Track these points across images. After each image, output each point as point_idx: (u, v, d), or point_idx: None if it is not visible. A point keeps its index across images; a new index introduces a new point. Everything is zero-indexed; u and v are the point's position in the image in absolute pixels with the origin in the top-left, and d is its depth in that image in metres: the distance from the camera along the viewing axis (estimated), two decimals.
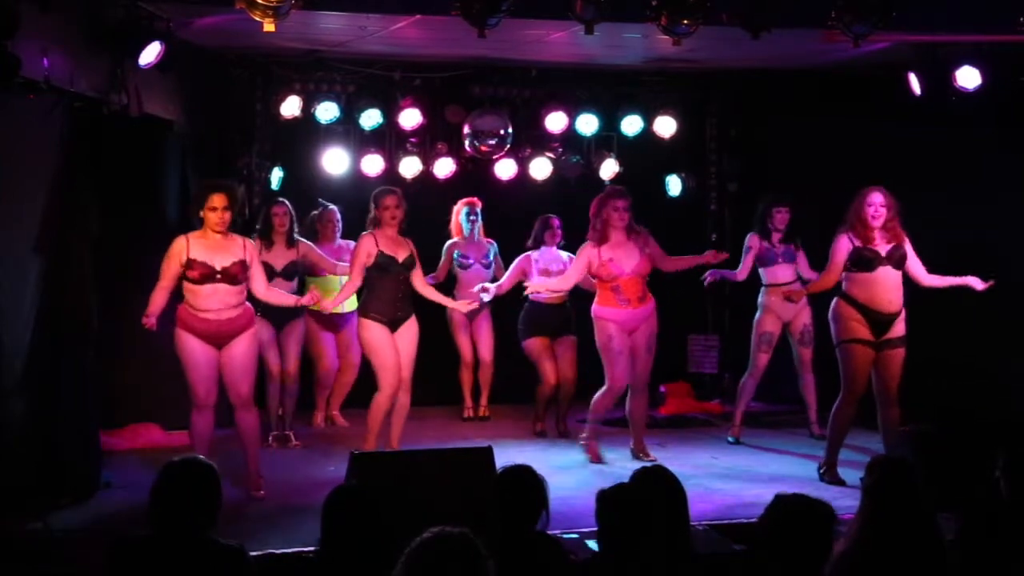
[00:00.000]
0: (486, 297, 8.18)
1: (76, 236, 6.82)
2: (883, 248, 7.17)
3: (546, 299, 8.77)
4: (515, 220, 9.40)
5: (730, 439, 8.68)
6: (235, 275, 6.69)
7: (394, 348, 7.34)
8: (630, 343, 7.76)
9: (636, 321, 7.77)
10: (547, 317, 8.86)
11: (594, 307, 7.84)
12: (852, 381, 7.20)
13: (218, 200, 6.66)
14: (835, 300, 7.33)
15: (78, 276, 6.83)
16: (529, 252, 8.89)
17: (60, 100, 6.56)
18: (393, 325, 7.37)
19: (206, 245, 6.66)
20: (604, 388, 7.83)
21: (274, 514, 6.47)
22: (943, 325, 7.83)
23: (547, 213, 9.03)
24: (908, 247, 7.25)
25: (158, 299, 6.69)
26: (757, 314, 8.71)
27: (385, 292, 7.37)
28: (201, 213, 6.69)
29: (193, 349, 6.65)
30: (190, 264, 6.61)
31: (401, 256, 7.39)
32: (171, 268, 6.66)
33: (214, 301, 6.65)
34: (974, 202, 8.55)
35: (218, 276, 6.64)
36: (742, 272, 8.70)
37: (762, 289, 8.74)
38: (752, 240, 8.69)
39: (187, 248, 6.64)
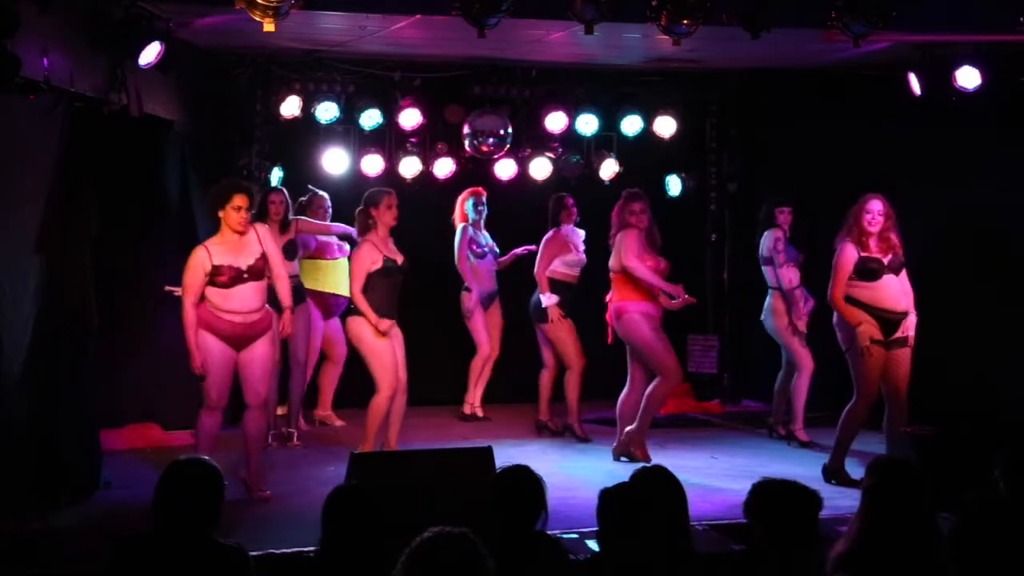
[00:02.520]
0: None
1: (76, 236, 6.82)
2: (883, 257, 7.15)
3: (566, 278, 8.71)
4: (515, 220, 9.40)
5: (795, 444, 8.43)
6: (261, 270, 6.71)
7: (393, 350, 7.35)
8: None
9: (660, 317, 7.80)
10: (568, 297, 8.74)
11: (626, 303, 7.74)
12: (869, 383, 7.11)
13: (241, 200, 6.62)
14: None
15: (78, 276, 6.83)
16: (559, 230, 8.75)
17: (60, 100, 6.55)
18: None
19: (227, 248, 6.63)
20: (659, 381, 7.71)
21: (274, 514, 6.47)
22: (943, 326, 7.83)
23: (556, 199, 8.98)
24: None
25: (192, 320, 6.54)
26: (771, 319, 8.56)
27: (385, 295, 7.37)
28: (220, 212, 6.63)
29: (213, 350, 6.60)
30: (217, 271, 6.57)
31: (400, 259, 7.40)
32: (197, 280, 6.57)
33: (241, 302, 6.64)
34: (974, 202, 8.55)
35: (245, 276, 6.65)
36: (784, 274, 8.47)
37: (770, 291, 8.61)
38: (778, 235, 8.54)
39: (209, 257, 6.58)
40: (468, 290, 9.13)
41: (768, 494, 3.81)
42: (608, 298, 7.93)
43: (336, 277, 8.82)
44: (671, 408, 9.72)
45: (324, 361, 9.06)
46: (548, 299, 8.62)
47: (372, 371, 7.40)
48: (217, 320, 6.60)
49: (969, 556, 3.71)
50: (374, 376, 7.39)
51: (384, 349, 7.33)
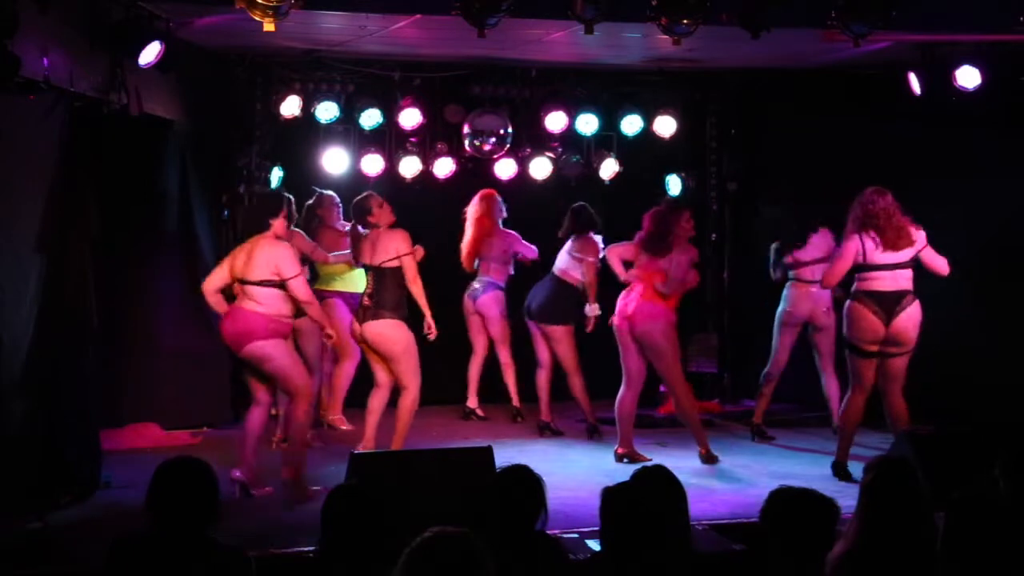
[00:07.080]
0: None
1: (76, 236, 6.82)
2: None
3: (579, 282, 8.71)
4: (516, 220, 9.40)
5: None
6: None
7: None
8: None
9: None
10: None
11: (658, 307, 7.70)
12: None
13: (287, 210, 6.89)
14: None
15: (78, 276, 6.83)
16: (597, 237, 8.73)
17: (60, 100, 6.56)
18: None
19: None
20: (674, 396, 7.88)
21: (274, 514, 6.47)
22: (943, 325, 7.82)
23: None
24: None
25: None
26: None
27: (400, 291, 7.39)
28: (273, 220, 6.77)
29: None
30: None
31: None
32: None
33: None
34: (973, 202, 8.55)
35: None
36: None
37: (793, 284, 8.64)
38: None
39: None
40: (501, 289, 9.16)
41: (785, 502, 3.78)
42: (635, 291, 7.80)
43: (358, 278, 8.78)
44: (671, 408, 9.70)
45: (342, 361, 8.94)
46: (592, 309, 8.57)
47: (403, 370, 7.37)
48: (287, 327, 6.78)
49: (957, 553, 3.71)
50: (404, 375, 7.37)
51: (416, 348, 7.36)
